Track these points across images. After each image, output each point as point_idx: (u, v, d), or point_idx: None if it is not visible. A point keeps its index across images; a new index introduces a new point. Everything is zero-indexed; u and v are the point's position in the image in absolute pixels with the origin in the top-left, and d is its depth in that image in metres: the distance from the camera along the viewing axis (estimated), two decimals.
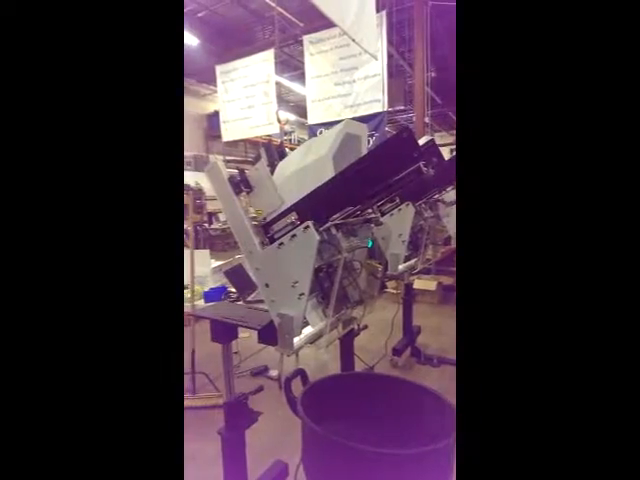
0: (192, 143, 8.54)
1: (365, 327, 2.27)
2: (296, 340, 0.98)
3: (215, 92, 7.30)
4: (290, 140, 9.26)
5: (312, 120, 6.18)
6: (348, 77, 5.78)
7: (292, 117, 9.59)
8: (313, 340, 1.06)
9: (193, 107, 8.93)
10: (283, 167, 1.04)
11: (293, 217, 0.96)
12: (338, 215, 0.96)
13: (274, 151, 1.12)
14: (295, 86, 8.00)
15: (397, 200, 1.67)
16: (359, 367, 2.42)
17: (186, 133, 8.52)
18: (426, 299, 4.05)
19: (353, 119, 4.80)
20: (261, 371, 2.69)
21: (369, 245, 1.31)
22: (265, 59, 6.71)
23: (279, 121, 2.92)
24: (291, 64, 7.61)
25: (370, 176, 0.87)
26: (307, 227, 0.90)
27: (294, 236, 0.92)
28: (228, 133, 7.24)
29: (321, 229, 0.89)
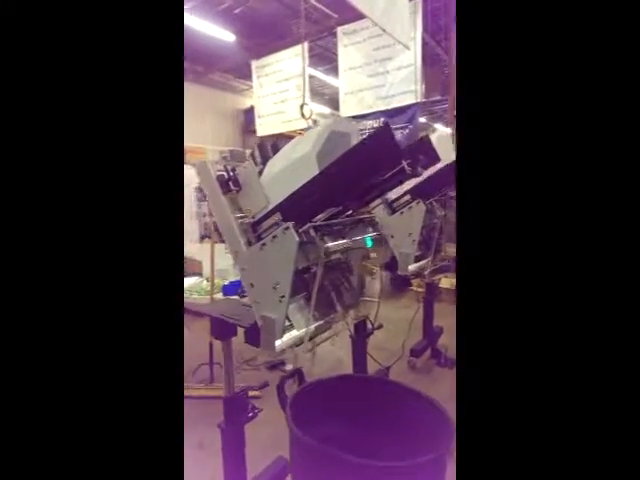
0: (229, 138, 8.73)
1: (380, 326, 2.22)
2: (279, 342, 0.97)
3: (252, 87, 7.40)
4: None
5: (345, 113, 6.12)
6: (382, 68, 5.66)
7: (327, 110, 9.51)
8: (299, 343, 1.04)
9: (231, 103, 9.12)
10: (272, 164, 1.02)
11: (277, 217, 0.94)
12: (322, 216, 0.93)
13: (268, 148, 1.11)
14: (330, 79, 7.93)
15: (408, 197, 1.60)
16: (374, 367, 2.38)
17: (223, 128, 8.74)
18: (452, 298, 3.90)
19: (386, 111, 4.66)
20: (277, 365, 2.71)
21: (368, 245, 1.27)
22: (298, 53, 6.70)
23: (303, 116, 2.87)
24: (325, 57, 7.53)
25: (349, 177, 0.83)
26: (287, 228, 0.88)
27: (275, 237, 0.90)
28: (262, 128, 7.33)
29: (300, 230, 0.87)
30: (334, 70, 7.13)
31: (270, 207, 0.96)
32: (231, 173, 1.01)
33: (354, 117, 5.89)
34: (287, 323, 1.00)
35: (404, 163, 0.80)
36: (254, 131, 7.55)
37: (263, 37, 6.97)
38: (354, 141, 1.00)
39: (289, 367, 2.68)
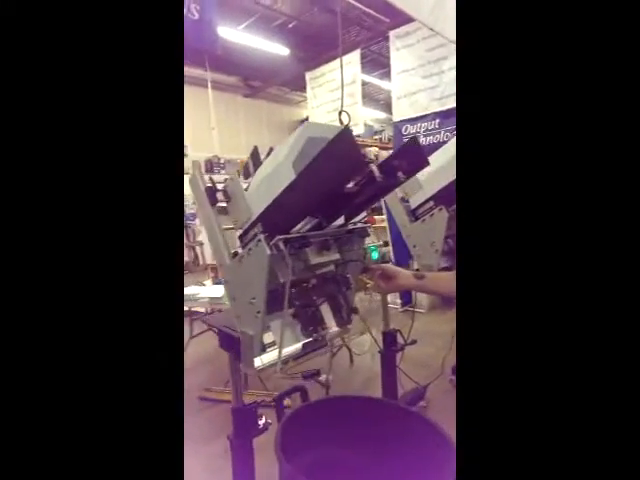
0: None
1: (413, 342, 2.08)
2: (258, 360, 0.93)
3: (307, 99, 7.58)
4: (380, 139, 9.06)
5: (397, 117, 5.96)
6: (436, 68, 5.44)
7: (382, 115, 9.38)
8: (286, 362, 0.98)
9: (287, 115, 9.40)
10: (258, 174, 1.00)
11: (257, 229, 0.90)
12: (302, 227, 0.87)
13: (259, 156, 1.08)
14: (384, 83, 7.84)
15: (431, 204, 1.47)
16: (410, 385, 2.23)
17: (280, 140, 9.03)
18: None
19: (441, 112, 4.45)
20: (312, 374, 2.66)
21: (374, 257, 1.18)
22: (350, 61, 6.72)
23: (341, 122, 2.83)
24: (379, 62, 7.45)
25: (320, 185, 0.76)
26: (259, 240, 0.84)
27: (250, 249, 0.87)
28: None
29: (271, 243, 0.82)
30: (389, 74, 7.02)
31: (253, 218, 0.93)
32: (218, 185, 1.00)
33: (409, 120, 5.72)
34: (270, 340, 0.96)
35: (375, 170, 0.71)
36: None
37: (317, 48, 7.09)
38: None
39: (323, 377, 2.62)
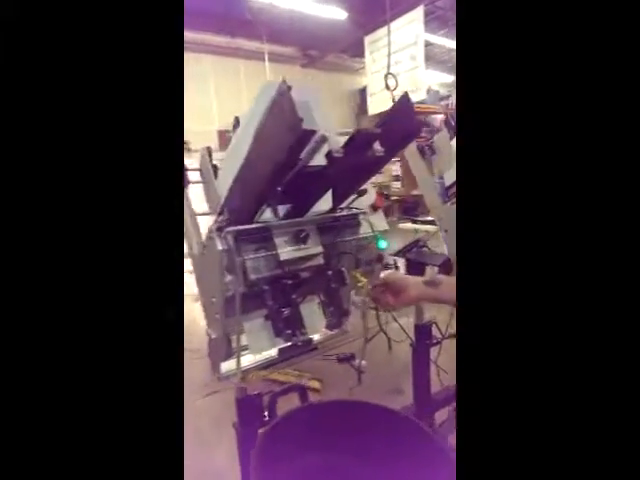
0: (343, 119, 8.63)
1: (452, 336, 1.87)
2: (226, 366, 0.82)
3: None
4: (447, 105, 8.30)
5: None
6: None
7: (450, 78, 8.56)
8: (263, 367, 0.86)
9: (346, 84, 9.00)
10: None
11: (221, 217, 0.77)
12: (258, 215, 0.72)
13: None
14: (452, 43, 7.09)
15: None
16: (446, 381, 2.01)
17: (338, 110, 8.78)
18: None
19: None
20: (347, 358, 2.57)
21: (381, 247, 0.99)
22: (413, 19, 6.17)
23: (388, 87, 2.49)
24: (446, 19, 6.73)
25: (270, 159, 0.60)
26: (211, 232, 0.71)
27: (207, 241, 0.74)
28: (374, 105, 7.03)
29: (222, 235, 0.68)
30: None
31: (222, 202, 0.80)
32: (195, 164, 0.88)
33: None
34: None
35: (332, 142, 0.53)
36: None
37: (375, 8, 6.57)
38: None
39: (357, 362, 2.50)
